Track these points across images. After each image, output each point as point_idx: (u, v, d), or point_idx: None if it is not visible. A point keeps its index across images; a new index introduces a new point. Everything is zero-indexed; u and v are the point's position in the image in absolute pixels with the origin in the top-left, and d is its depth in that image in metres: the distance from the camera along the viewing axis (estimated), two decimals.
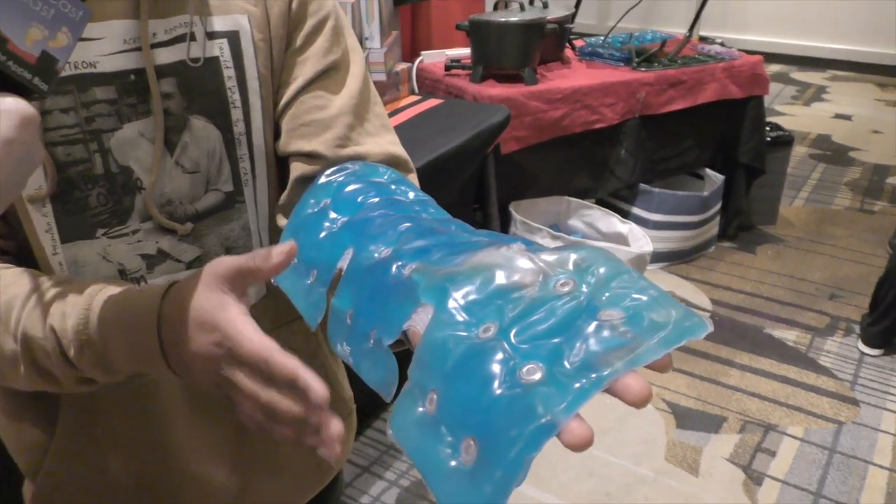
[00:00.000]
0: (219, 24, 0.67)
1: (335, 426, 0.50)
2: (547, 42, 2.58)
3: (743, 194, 3.18)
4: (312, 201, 0.65)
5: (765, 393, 2.35)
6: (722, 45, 3.21)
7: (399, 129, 0.79)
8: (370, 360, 0.50)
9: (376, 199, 0.63)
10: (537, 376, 0.38)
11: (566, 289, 0.43)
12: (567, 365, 0.38)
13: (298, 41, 0.71)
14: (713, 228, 3.14)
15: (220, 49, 0.67)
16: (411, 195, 0.65)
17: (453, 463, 0.39)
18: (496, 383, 0.39)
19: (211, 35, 0.67)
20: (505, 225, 2.59)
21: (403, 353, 0.50)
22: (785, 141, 3.24)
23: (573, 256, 0.45)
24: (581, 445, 0.36)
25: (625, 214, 2.89)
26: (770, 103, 5.21)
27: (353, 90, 0.73)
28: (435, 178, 1.88)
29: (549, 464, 2.04)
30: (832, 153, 4.40)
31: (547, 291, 0.43)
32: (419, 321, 0.47)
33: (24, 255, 0.66)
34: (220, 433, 0.78)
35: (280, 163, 0.75)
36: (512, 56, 2.49)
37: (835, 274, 3.04)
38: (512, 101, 2.40)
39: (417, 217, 0.60)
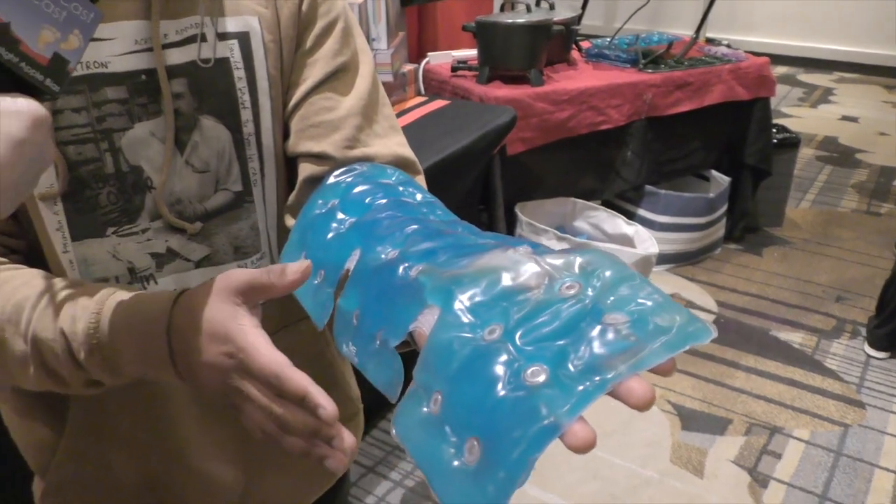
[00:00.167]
0: (230, 25, 0.68)
1: (348, 440, 0.51)
2: (553, 43, 2.58)
3: (749, 196, 3.17)
4: (320, 202, 0.66)
5: (770, 395, 2.35)
6: (728, 46, 3.20)
7: (405, 130, 0.79)
8: (376, 360, 0.50)
9: (384, 201, 0.63)
10: (541, 378, 0.38)
11: (571, 292, 0.43)
12: (571, 367, 0.38)
13: (308, 42, 0.72)
14: (719, 230, 3.14)
15: (231, 50, 0.68)
16: (419, 197, 0.65)
17: (456, 463, 0.39)
18: (500, 385, 0.39)
19: (222, 36, 0.67)
20: (511, 226, 2.59)
21: (409, 354, 0.51)
22: (791, 143, 3.23)
23: (579, 260, 0.45)
24: (583, 448, 0.36)
25: (631, 216, 2.89)
26: (777, 105, 5.19)
27: (362, 91, 0.74)
28: (441, 179, 1.88)
29: (554, 465, 2.04)
30: (839, 155, 4.38)
31: (552, 294, 0.43)
32: (425, 322, 0.47)
33: (35, 254, 0.67)
34: (226, 432, 0.79)
35: (289, 163, 0.75)
36: (518, 57, 2.49)
37: (841, 276, 3.03)
38: (518, 102, 2.40)
39: (425, 219, 0.60)
